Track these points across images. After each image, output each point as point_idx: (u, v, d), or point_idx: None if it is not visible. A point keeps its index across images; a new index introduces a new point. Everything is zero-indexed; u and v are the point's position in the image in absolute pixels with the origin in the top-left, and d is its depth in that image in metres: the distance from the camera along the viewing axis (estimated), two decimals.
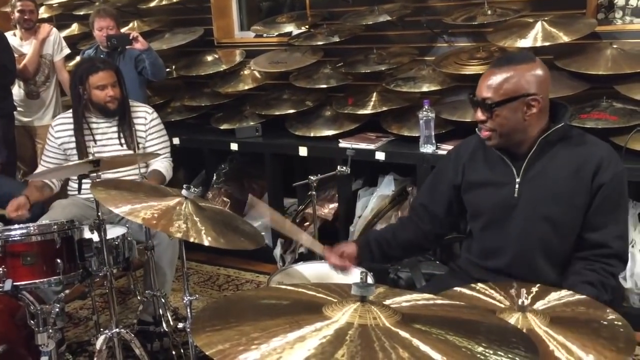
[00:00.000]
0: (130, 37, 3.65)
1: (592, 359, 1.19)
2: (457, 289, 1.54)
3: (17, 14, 4.06)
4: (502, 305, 1.41)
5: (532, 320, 1.31)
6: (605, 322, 1.35)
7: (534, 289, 1.48)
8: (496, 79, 1.78)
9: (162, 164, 3.01)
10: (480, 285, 1.53)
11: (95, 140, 2.91)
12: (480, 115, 1.83)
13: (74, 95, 2.92)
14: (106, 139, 2.95)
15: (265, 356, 0.96)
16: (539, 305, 1.41)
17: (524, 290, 1.37)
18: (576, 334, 1.26)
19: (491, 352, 1.01)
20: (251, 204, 2.10)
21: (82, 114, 2.92)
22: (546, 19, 3.07)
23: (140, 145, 2.99)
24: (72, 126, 2.93)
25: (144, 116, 3.03)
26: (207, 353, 0.98)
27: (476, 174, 1.95)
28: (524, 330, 1.28)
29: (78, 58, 4.32)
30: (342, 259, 2.05)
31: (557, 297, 1.46)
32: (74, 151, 2.93)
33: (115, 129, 2.95)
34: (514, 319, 1.32)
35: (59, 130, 2.97)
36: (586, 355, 1.20)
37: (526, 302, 1.35)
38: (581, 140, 1.85)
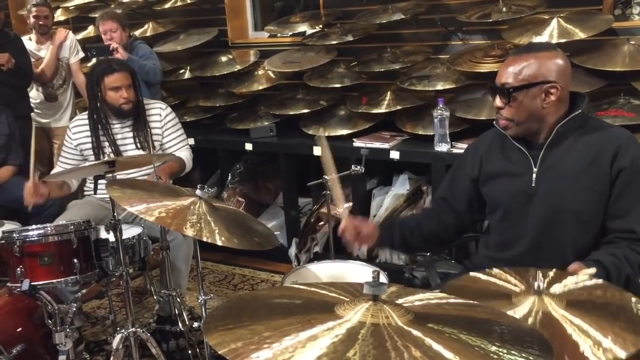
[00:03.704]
0: (110, 49, 3.64)
1: (610, 341, 1.17)
2: (472, 273, 1.52)
3: (32, 20, 4.11)
4: (518, 290, 1.39)
5: (548, 304, 1.29)
6: (623, 305, 1.33)
7: (550, 274, 1.47)
8: (516, 65, 1.77)
9: (183, 153, 3.07)
10: (495, 270, 1.51)
11: (111, 142, 2.94)
12: (498, 101, 1.82)
13: (90, 96, 2.95)
14: (121, 140, 2.98)
15: (277, 355, 0.96)
16: (555, 289, 1.39)
17: (539, 274, 1.35)
18: (593, 317, 1.25)
19: (505, 351, 1.00)
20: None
21: (98, 115, 2.95)
22: (562, 15, 3.04)
23: (157, 143, 3.02)
24: (88, 127, 2.96)
25: (159, 112, 3.05)
26: (219, 352, 0.98)
27: (493, 164, 1.93)
28: (540, 314, 1.26)
29: (94, 60, 4.35)
30: (357, 237, 1.91)
31: (574, 281, 1.44)
32: (91, 152, 2.96)
33: (130, 129, 2.98)
34: (530, 302, 1.31)
35: (76, 132, 3.00)
36: (604, 337, 1.19)
37: (542, 286, 1.33)
38: (598, 127, 1.83)
